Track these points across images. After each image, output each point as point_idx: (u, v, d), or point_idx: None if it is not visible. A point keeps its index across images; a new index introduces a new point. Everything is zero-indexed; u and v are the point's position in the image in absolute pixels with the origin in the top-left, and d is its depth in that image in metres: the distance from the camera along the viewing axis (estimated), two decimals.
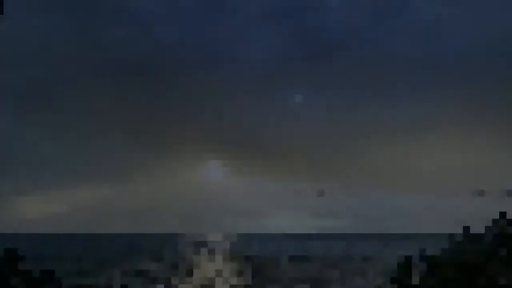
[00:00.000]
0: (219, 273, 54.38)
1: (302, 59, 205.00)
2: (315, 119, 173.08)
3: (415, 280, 17.57)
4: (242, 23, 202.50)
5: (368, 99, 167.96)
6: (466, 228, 18.88)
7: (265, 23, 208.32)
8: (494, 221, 17.98)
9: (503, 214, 18.01)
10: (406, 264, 17.65)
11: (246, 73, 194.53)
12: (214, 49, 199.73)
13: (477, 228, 18.57)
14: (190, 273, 52.93)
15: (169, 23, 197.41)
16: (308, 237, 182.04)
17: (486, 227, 18.07)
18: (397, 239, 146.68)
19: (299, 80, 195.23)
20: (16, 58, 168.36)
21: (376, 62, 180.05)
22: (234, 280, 47.54)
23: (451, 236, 18.45)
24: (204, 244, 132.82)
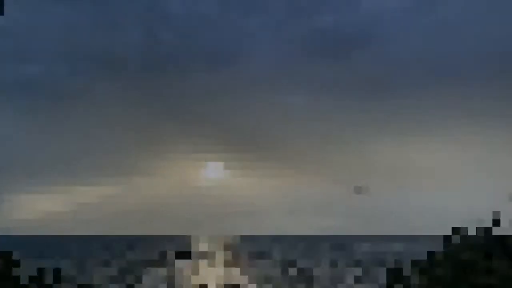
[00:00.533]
0: (219, 278, 54.36)
1: (308, 57, 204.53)
2: (320, 119, 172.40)
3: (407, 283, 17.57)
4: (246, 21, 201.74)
5: (378, 98, 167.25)
6: (464, 229, 18.79)
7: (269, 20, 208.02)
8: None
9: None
10: (396, 268, 17.65)
11: (250, 72, 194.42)
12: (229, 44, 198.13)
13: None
14: (195, 272, 52.96)
15: (172, 22, 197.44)
16: (307, 239, 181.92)
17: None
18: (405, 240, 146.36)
19: (304, 78, 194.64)
20: (16, 52, 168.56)
21: (387, 61, 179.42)
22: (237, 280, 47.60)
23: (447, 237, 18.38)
24: (204, 246, 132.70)
